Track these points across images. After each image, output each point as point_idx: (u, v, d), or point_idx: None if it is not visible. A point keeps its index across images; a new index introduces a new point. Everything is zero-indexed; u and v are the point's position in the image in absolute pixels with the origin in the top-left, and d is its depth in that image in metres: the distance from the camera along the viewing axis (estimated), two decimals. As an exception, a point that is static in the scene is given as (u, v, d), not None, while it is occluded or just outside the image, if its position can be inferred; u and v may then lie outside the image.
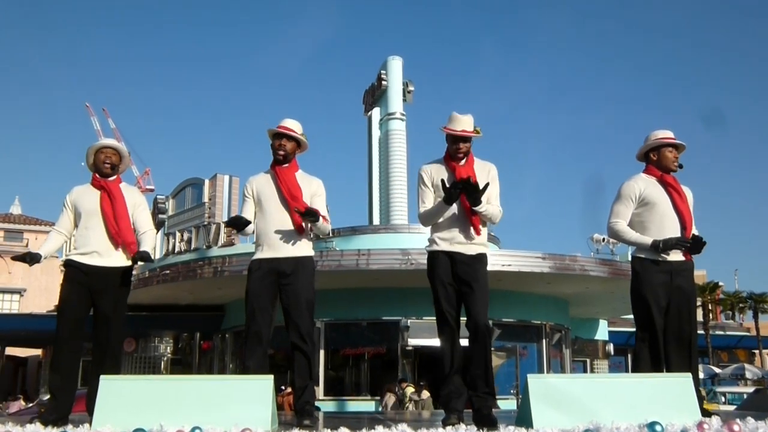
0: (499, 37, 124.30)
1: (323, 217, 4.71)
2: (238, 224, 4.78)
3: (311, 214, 4.62)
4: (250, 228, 4.83)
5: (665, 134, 5.11)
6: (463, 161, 4.70)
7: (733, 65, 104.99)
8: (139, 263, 4.89)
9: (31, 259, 4.76)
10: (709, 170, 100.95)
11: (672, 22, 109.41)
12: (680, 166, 5.08)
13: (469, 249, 4.62)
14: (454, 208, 4.62)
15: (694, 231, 4.98)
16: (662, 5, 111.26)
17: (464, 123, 4.64)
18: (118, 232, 4.80)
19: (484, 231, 4.70)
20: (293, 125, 4.89)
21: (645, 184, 5.04)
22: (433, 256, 4.69)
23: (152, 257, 4.89)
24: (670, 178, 5.06)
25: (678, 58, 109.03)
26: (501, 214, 4.70)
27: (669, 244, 4.82)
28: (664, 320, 4.91)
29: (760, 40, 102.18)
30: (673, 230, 4.90)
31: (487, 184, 4.49)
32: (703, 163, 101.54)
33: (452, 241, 4.62)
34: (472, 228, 4.62)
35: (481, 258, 4.64)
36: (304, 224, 4.72)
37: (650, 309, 4.88)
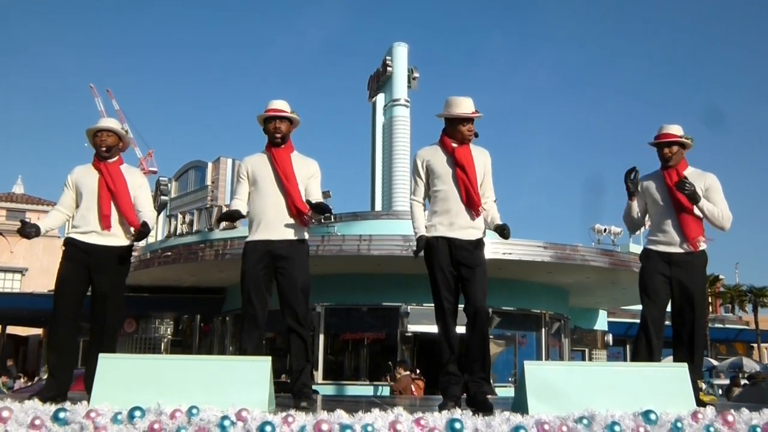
0: (506, 28, 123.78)
1: (321, 204, 4.69)
2: (232, 218, 4.82)
3: (319, 209, 4.63)
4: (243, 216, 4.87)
5: (660, 132, 5.12)
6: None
7: (741, 63, 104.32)
8: (139, 243, 4.88)
9: (30, 228, 4.71)
10: (711, 164, 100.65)
11: (683, 17, 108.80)
12: (667, 160, 5.04)
13: (468, 234, 4.60)
14: (455, 195, 4.60)
15: (701, 211, 4.94)
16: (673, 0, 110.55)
17: (467, 104, 4.65)
18: (109, 216, 4.78)
19: (481, 217, 4.68)
20: (283, 105, 4.87)
21: (646, 183, 5.15)
22: (432, 241, 4.66)
23: (150, 229, 4.82)
24: (667, 172, 5.05)
25: (688, 54, 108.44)
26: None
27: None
28: (671, 311, 4.97)
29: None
30: (672, 220, 4.97)
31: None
32: (706, 157, 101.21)
33: (451, 227, 4.61)
34: (470, 213, 4.60)
35: (480, 243, 4.64)
36: (307, 218, 4.72)
37: (646, 298, 4.95)
